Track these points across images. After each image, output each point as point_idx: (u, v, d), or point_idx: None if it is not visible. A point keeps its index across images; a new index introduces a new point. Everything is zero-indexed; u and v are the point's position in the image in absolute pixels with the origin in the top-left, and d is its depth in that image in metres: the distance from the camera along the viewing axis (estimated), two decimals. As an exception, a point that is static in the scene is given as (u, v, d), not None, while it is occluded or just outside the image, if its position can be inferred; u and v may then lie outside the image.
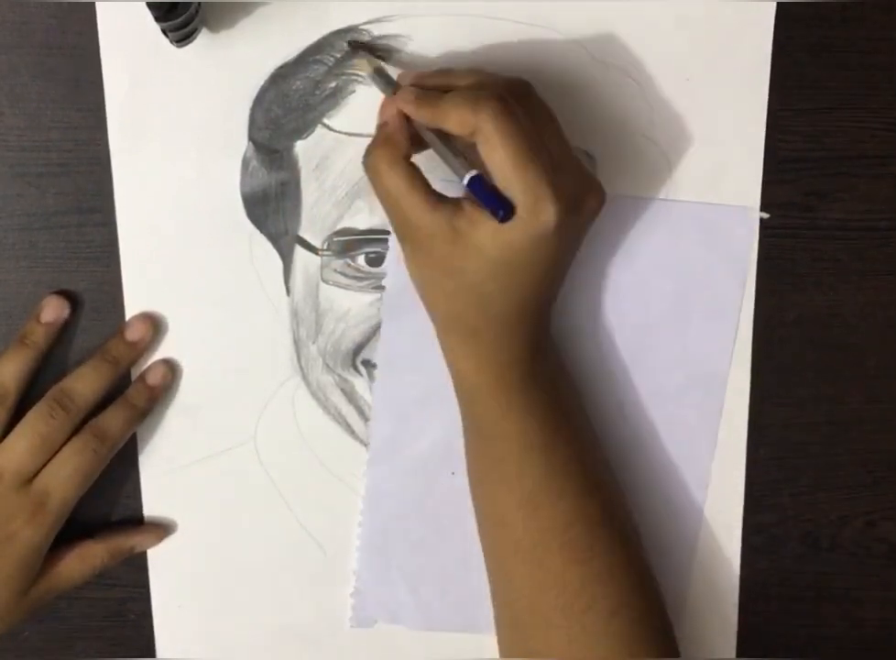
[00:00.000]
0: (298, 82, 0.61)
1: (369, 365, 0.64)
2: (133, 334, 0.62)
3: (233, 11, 0.59)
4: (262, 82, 0.60)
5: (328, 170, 0.61)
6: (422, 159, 0.56)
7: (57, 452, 0.60)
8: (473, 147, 0.53)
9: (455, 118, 0.53)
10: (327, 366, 0.64)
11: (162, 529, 0.65)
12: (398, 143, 0.55)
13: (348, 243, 0.62)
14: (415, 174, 0.54)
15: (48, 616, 0.66)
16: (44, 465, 0.60)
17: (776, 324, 0.65)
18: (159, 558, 0.66)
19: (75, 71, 0.60)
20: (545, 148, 0.53)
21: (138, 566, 0.66)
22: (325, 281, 0.63)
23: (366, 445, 0.65)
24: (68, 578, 0.63)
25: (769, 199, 0.63)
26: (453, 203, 0.54)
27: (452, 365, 0.59)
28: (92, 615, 0.67)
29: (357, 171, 0.61)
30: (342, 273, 0.63)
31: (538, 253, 0.54)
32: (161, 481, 0.65)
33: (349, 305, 0.63)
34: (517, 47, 0.61)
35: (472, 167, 0.53)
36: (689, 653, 0.67)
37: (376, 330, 0.63)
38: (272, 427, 0.65)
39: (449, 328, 0.58)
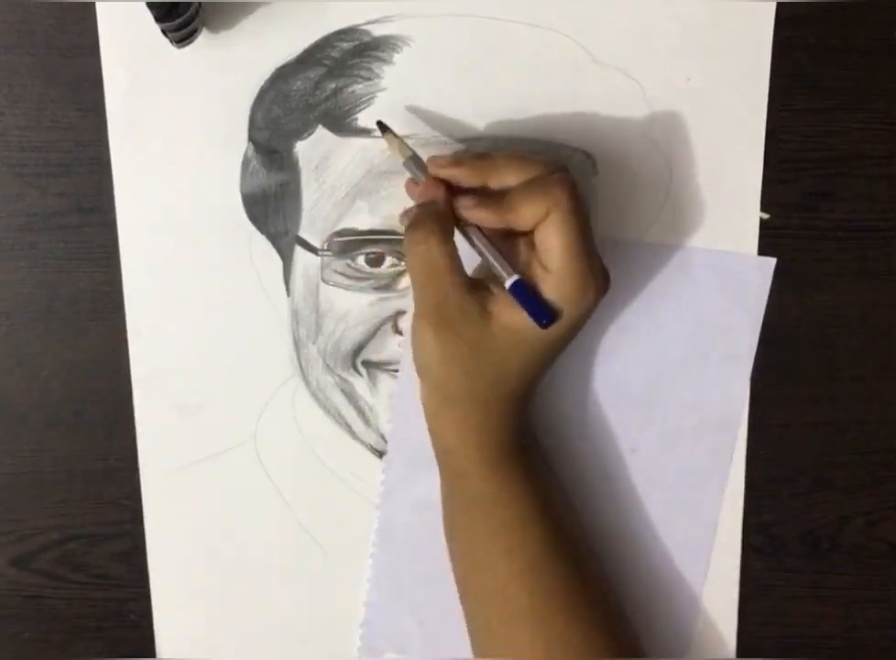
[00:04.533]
0: (298, 83, 0.61)
1: (369, 365, 0.64)
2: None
3: (233, 11, 0.59)
4: (262, 83, 0.61)
5: (328, 170, 0.61)
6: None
7: None
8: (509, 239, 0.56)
9: (529, 211, 0.54)
10: (327, 366, 0.64)
11: None
12: (447, 222, 0.56)
13: (348, 243, 0.62)
14: (456, 254, 0.56)
15: (48, 616, 0.66)
16: None
17: (776, 324, 0.65)
18: (159, 558, 0.66)
19: (75, 71, 0.60)
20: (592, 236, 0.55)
21: (138, 566, 0.66)
22: (325, 282, 0.63)
23: (366, 446, 0.65)
24: None
25: (769, 199, 0.63)
26: (485, 288, 0.56)
27: (442, 440, 0.60)
28: (92, 615, 0.67)
29: (357, 172, 0.61)
30: (342, 274, 0.63)
31: (569, 336, 0.57)
32: (161, 481, 0.65)
33: (349, 306, 0.63)
34: (517, 47, 0.61)
35: (513, 268, 0.55)
36: (689, 653, 0.67)
37: (376, 331, 0.63)
38: (272, 427, 0.65)
39: (448, 404, 0.58)
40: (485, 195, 0.56)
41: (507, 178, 0.56)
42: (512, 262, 0.55)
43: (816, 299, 0.65)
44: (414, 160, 0.58)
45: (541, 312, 0.54)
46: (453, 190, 0.57)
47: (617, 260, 0.63)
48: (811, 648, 0.68)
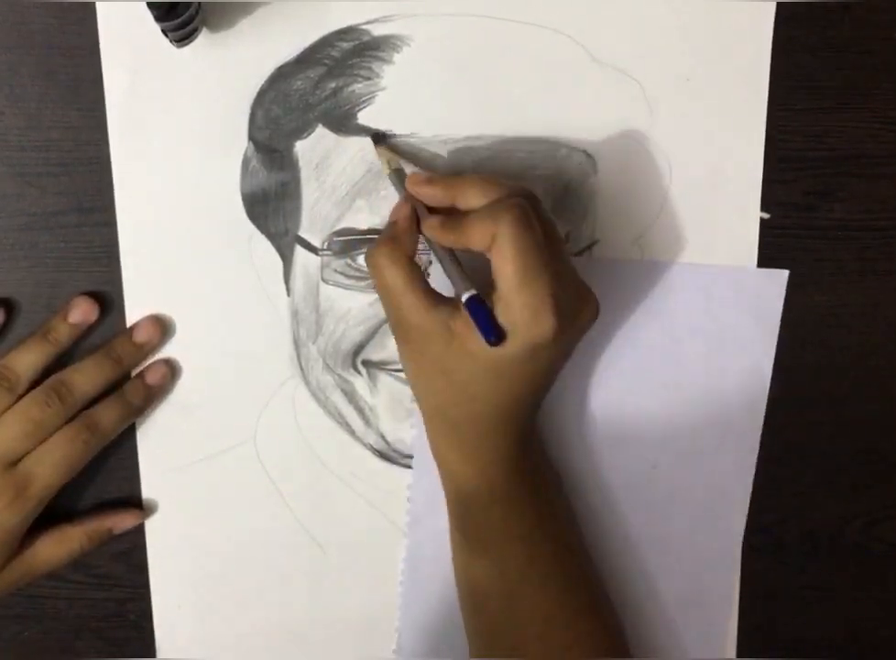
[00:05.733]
0: (298, 82, 0.61)
1: (369, 365, 0.64)
2: (141, 335, 0.62)
3: (233, 11, 0.59)
4: (262, 82, 0.61)
5: (328, 169, 0.61)
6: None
7: (46, 439, 0.60)
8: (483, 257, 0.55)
9: (478, 235, 0.54)
10: (327, 366, 0.64)
11: (140, 510, 0.65)
12: (403, 242, 0.56)
13: (348, 243, 0.62)
14: (415, 273, 0.56)
15: (48, 616, 0.66)
16: (31, 450, 0.60)
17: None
18: (159, 558, 0.66)
19: (75, 71, 0.60)
20: (551, 262, 0.54)
21: (138, 566, 0.66)
22: (325, 281, 0.63)
23: (365, 446, 0.65)
24: (45, 562, 0.62)
25: (769, 199, 0.63)
26: (451, 305, 0.56)
27: (437, 457, 0.60)
28: (92, 615, 0.67)
29: (357, 171, 0.61)
30: (342, 273, 0.63)
31: (530, 364, 0.55)
32: (161, 481, 0.65)
33: (349, 305, 0.63)
34: (517, 47, 0.61)
35: (472, 284, 0.54)
36: (689, 653, 0.67)
37: (376, 330, 0.63)
38: (272, 427, 0.65)
39: (435, 422, 0.59)
40: (451, 216, 0.56)
41: (471, 200, 0.56)
42: (482, 281, 0.55)
43: (816, 299, 0.65)
44: (398, 174, 0.59)
45: (490, 329, 0.53)
46: (429, 207, 0.57)
47: (630, 279, 0.63)
48: (811, 648, 0.68)
